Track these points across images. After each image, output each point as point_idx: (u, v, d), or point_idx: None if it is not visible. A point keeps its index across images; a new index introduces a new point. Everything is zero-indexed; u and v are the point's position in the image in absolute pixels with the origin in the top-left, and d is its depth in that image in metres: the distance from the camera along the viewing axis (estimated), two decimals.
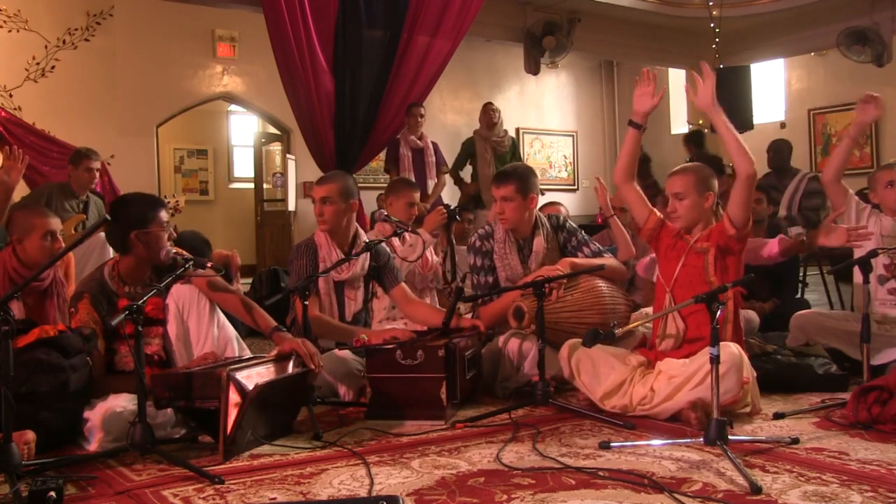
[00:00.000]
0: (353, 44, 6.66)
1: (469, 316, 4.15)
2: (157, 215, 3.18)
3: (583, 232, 4.09)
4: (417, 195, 4.91)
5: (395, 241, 4.49)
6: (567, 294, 3.71)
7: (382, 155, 7.50)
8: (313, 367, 3.07)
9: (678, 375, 3.08)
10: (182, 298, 3.21)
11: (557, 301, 3.64)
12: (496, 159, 7.44)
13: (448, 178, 7.52)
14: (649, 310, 4.08)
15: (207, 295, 3.25)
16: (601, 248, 4.04)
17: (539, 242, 3.95)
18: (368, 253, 3.94)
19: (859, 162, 9.92)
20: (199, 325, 3.21)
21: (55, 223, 3.52)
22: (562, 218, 4.13)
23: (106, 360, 3.16)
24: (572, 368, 3.35)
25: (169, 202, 6.21)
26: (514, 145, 7.83)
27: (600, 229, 5.79)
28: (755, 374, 3.14)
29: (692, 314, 3.25)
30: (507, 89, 11.88)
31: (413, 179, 6.64)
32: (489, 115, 7.57)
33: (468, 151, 7.55)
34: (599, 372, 3.27)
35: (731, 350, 2.99)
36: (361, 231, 4.10)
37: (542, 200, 4.25)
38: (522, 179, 3.91)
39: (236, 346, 3.33)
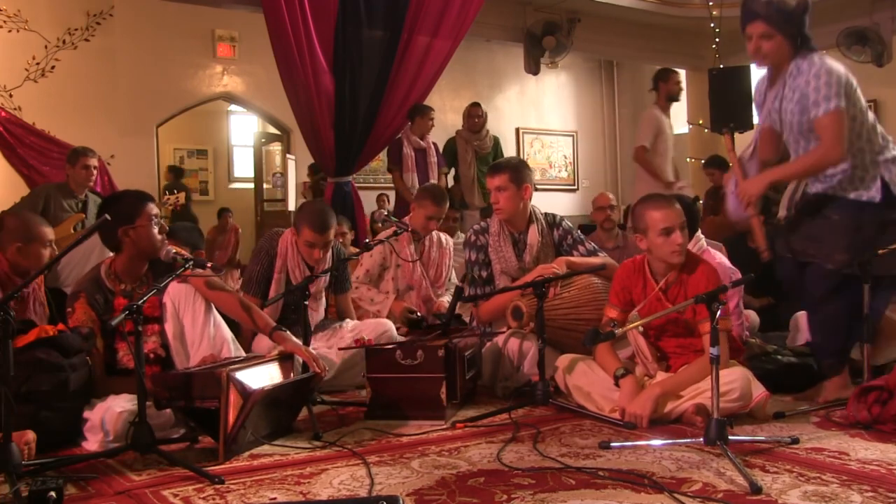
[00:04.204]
0: (353, 44, 6.66)
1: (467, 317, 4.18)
2: (143, 210, 3.17)
3: (578, 231, 4.12)
4: (440, 211, 4.71)
5: (397, 241, 4.53)
6: (564, 291, 3.73)
7: (382, 155, 7.47)
8: (318, 370, 3.07)
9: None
10: (178, 297, 3.21)
11: (555, 298, 3.65)
12: (478, 160, 7.41)
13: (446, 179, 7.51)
14: None
15: (205, 294, 3.24)
16: (595, 247, 4.07)
17: (533, 235, 3.98)
18: (333, 255, 4.10)
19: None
20: (194, 323, 3.21)
21: (52, 232, 3.53)
22: (558, 216, 4.16)
23: (106, 359, 3.16)
24: (569, 388, 3.36)
25: (168, 199, 6.21)
26: (497, 145, 7.71)
27: (595, 229, 5.81)
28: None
29: (675, 355, 3.26)
30: (507, 89, 11.89)
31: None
32: (473, 119, 7.46)
33: (451, 153, 7.47)
34: (594, 398, 3.27)
35: (738, 372, 3.02)
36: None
37: (541, 199, 4.27)
38: (516, 169, 3.96)
39: (233, 346, 3.32)
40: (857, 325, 3.26)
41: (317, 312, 4.06)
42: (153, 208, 3.22)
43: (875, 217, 3.24)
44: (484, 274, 4.01)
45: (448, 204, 4.82)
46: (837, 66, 3.20)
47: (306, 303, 3.48)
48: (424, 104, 6.93)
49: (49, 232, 3.50)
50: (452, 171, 7.48)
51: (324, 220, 3.90)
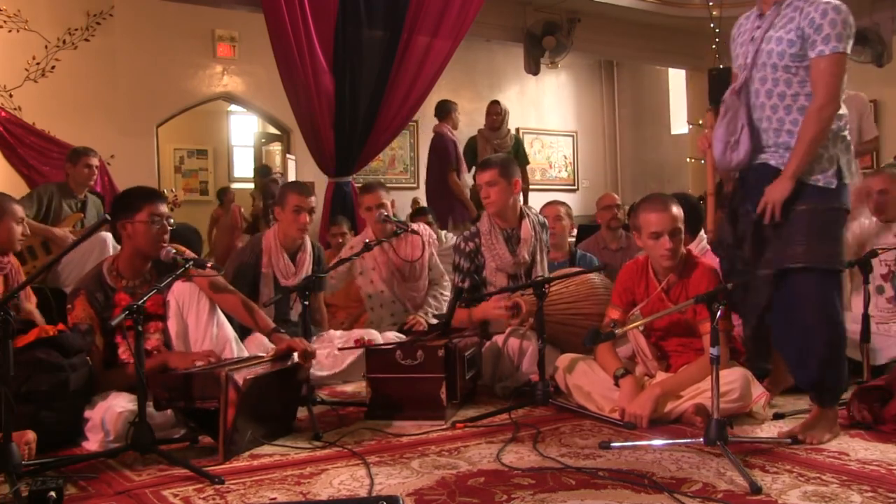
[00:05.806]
0: (353, 44, 6.66)
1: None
2: (142, 206, 3.15)
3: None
4: (371, 199, 4.62)
5: (394, 240, 4.52)
6: (562, 288, 3.74)
7: (382, 155, 7.48)
8: (302, 360, 3.08)
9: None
10: (182, 296, 3.22)
11: (553, 294, 3.66)
12: None
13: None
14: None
15: (209, 295, 3.25)
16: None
17: (526, 230, 4.01)
18: (312, 257, 4.25)
19: (860, 163, 9.87)
20: (197, 323, 3.22)
21: (22, 210, 3.88)
22: (546, 221, 4.27)
23: (106, 356, 3.16)
24: (569, 388, 3.36)
25: (167, 197, 6.22)
26: (518, 144, 7.76)
27: (598, 229, 5.81)
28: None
29: (676, 354, 3.27)
30: (507, 89, 11.87)
31: (468, 171, 7.03)
32: (492, 117, 7.52)
33: (472, 152, 7.51)
34: (594, 398, 3.27)
35: (738, 372, 3.02)
36: (307, 238, 4.29)
37: (541, 199, 4.32)
38: (504, 164, 4.02)
39: (235, 346, 3.33)
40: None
41: (298, 303, 4.05)
42: (157, 207, 3.18)
43: (827, 207, 2.77)
44: (467, 283, 3.99)
45: (369, 188, 4.77)
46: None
47: (307, 303, 3.47)
48: (450, 100, 7.10)
49: (19, 209, 3.83)
50: (474, 169, 7.50)
51: (304, 186, 4.38)
